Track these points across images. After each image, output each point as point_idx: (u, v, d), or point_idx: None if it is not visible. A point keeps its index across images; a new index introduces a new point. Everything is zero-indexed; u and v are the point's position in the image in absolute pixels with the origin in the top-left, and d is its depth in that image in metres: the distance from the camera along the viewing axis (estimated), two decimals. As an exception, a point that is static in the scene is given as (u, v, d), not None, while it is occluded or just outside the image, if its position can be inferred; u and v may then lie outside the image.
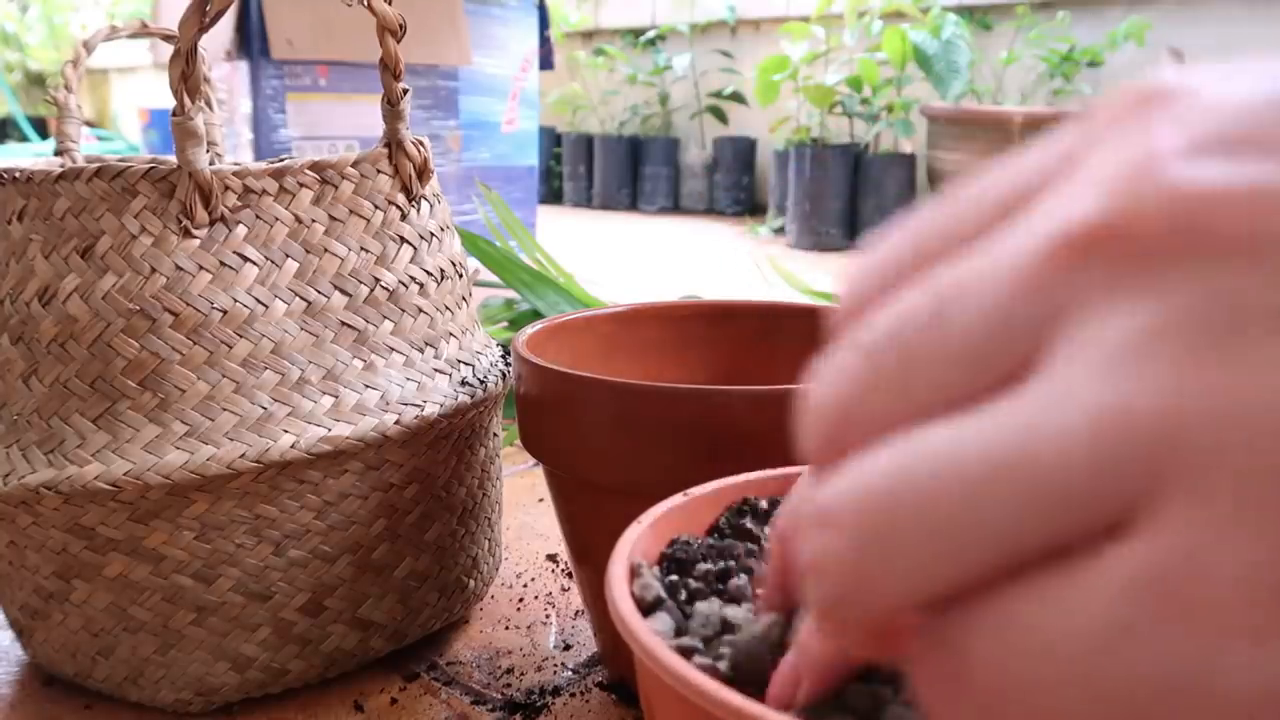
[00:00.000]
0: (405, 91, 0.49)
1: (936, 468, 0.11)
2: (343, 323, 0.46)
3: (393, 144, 0.49)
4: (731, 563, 0.30)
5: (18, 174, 0.45)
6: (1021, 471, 0.10)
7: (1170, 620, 0.09)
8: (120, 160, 0.48)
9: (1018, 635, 0.10)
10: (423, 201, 0.50)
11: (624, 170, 3.01)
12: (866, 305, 0.14)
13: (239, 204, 0.44)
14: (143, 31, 0.59)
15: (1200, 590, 0.09)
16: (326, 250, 0.46)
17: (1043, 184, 0.12)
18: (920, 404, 0.12)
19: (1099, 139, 0.12)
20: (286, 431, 0.43)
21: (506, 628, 0.55)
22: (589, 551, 0.47)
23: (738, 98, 2.83)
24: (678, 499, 0.31)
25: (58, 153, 0.59)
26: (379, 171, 0.48)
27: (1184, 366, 0.10)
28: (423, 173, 0.50)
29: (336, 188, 0.47)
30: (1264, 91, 0.11)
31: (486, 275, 1.00)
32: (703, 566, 0.29)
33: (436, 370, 0.49)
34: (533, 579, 0.60)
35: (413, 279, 0.49)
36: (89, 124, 3.67)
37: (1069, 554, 0.10)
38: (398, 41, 0.47)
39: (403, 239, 0.48)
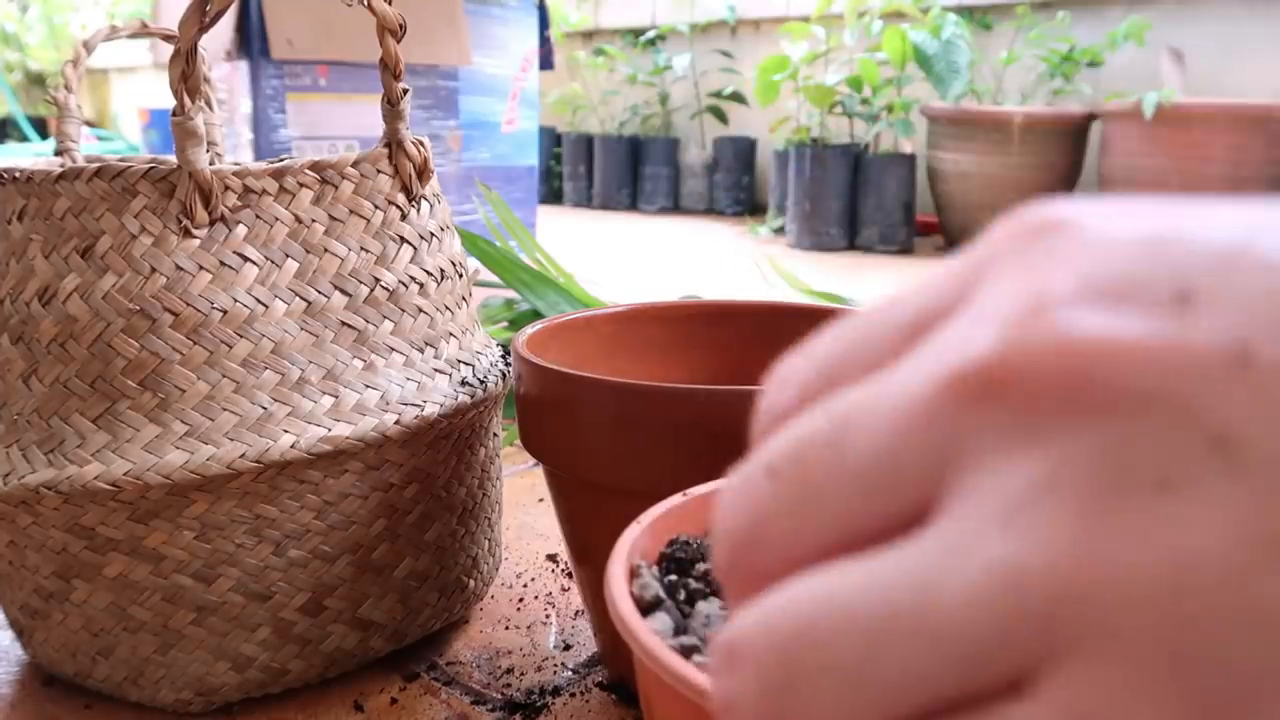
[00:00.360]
0: (405, 91, 0.49)
1: (840, 615, 0.11)
2: (343, 323, 0.46)
3: (393, 144, 0.49)
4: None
5: (18, 174, 0.45)
6: (920, 626, 0.11)
7: None
8: (120, 160, 0.48)
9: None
10: (423, 201, 0.50)
11: (624, 170, 3.01)
12: (778, 420, 0.14)
13: (239, 204, 0.44)
14: (143, 31, 0.59)
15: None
16: (326, 250, 0.46)
17: (942, 311, 0.13)
18: (824, 529, 0.12)
19: (995, 269, 0.12)
20: (286, 431, 0.43)
21: (506, 628, 0.55)
22: (589, 551, 0.47)
23: (738, 98, 2.83)
24: (677, 499, 0.31)
25: (58, 153, 0.59)
26: (379, 171, 0.48)
27: (1076, 526, 0.10)
28: (423, 173, 0.50)
29: (336, 188, 0.47)
30: (1148, 234, 0.11)
31: (486, 275, 1.00)
32: (702, 566, 0.29)
33: (436, 370, 0.49)
34: (533, 579, 0.60)
35: (413, 279, 0.49)
36: (89, 124, 3.67)
37: (971, 708, 0.10)
38: (398, 41, 0.47)
39: (403, 239, 0.48)
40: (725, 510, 0.13)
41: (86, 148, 0.67)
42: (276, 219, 0.45)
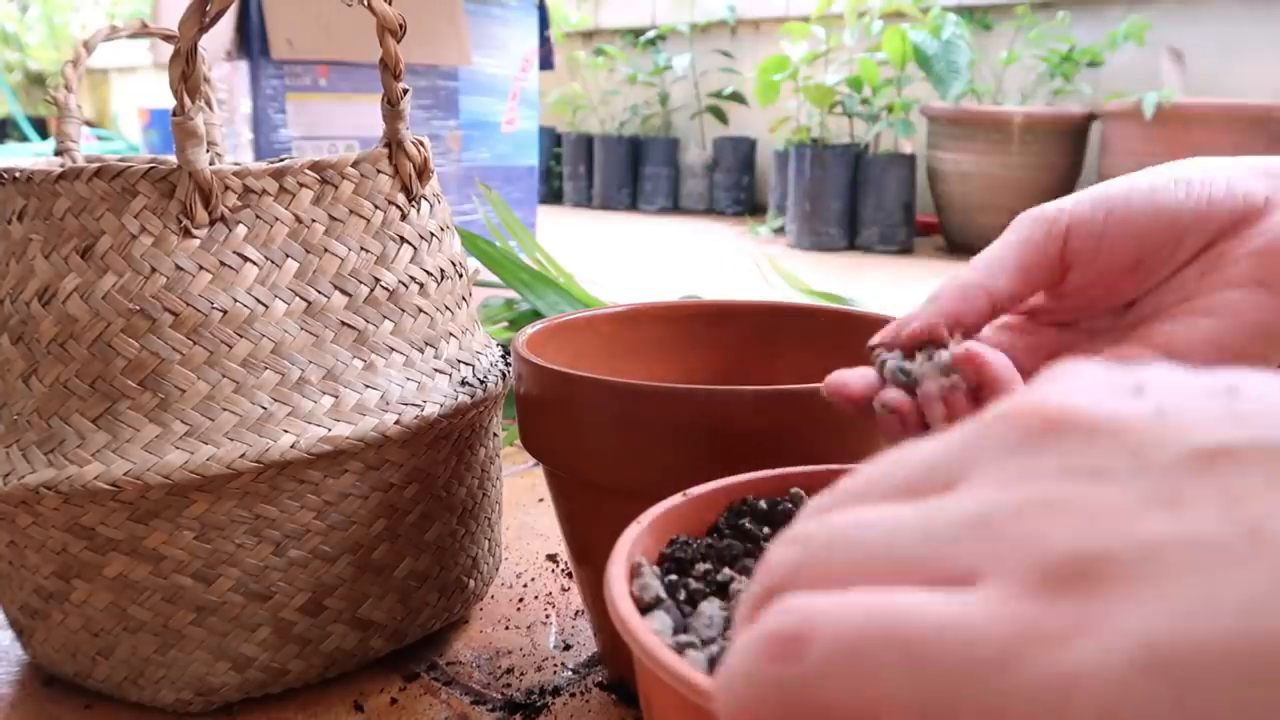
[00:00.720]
0: (405, 91, 0.49)
1: (874, 520, 0.17)
2: (343, 323, 0.46)
3: (393, 144, 0.49)
4: (730, 569, 0.30)
5: (18, 174, 0.45)
6: (923, 531, 0.17)
7: (976, 632, 0.15)
8: (120, 160, 0.48)
9: (872, 611, 0.15)
10: (423, 201, 0.50)
11: (624, 170, 3.01)
12: None
13: (239, 204, 0.44)
14: (143, 31, 0.59)
15: (998, 625, 0.15)
16: (326, 250, 0.46)
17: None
18: (891, 491, 0.19)
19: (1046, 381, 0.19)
20: (286, 431, 0.43)
21: (506, 628, 0.55)
22: (589, 551, 0.47)
23: (738, 98, 2.83)
24: (677, 499, 0.31)
25: (58, 153, 0.59)
26: (379, 171, 0.48)
27: (1033, 493, 0.16)
28: (423, 173, 0.50)
29: (336, 188, 0.47)
30: (1132, 370, 0.17)
31: (486, 275, 1.00)
32: (702, 566, 0.29)
33: (436, 370, 0.49)
34: (533, 579, 0.60)
35: (413, 279, 0.49)
36: (89, 124, 3.67)
37: (935, 588, 0.16)
38: (398, 41, 0.47)
39: (403, 239, 0.48)
40: (835, 487, 0.20)
41: (86, 148, 0.67)
42: (276, 219, 0.45)
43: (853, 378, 0.36)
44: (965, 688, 0.14)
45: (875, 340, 0.37)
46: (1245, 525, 0.14)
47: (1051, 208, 0.38)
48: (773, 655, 0.15)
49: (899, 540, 0.17)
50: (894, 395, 0.34)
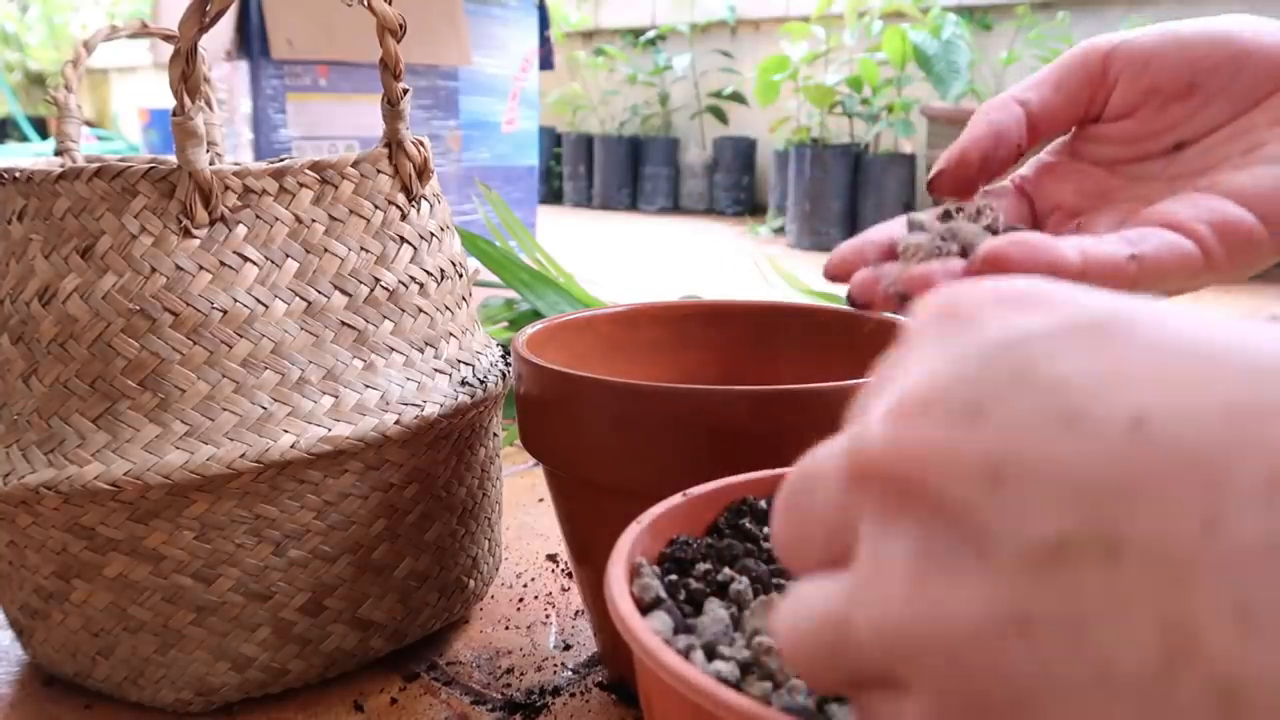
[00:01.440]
0: (405, 91, 0.49)
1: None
2: (343, 323, 0.46)
3: (393, 144, 0.49)
4: (730, 569, 0.30)
5: (18, 174, 0.45)
6: (810, 520, 0.19)
7: (833, 609, 0.17)
8: (120, 160, 0.48)
9: (794, 603, 0.19)
10: (423, 201, 0.50)
11: (624, 170, 3.01)
12: None
13: (239, 204, 0.44)
14: (143, 31, 0.59)
15: (852, 630, 0.17)
16: (326, 250, 0.46)
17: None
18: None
19: (881, 379, 0.19)
20: (286, 431, 0.43)
21: (506, 628, 0.55)
22: (589, 551, 0.47)
23: (738, 98, 2.83)
24: (677, 499, 0.31)
25: (58, 153, 0.59)
26: (379, 171, 0.48)
27: (883, 571, 0.17)
28: (423, 173, 0.50)
29: (336, 188, 0.47)
30: (961, 358, 0.17)
31: (486, 275, 1.00)
32: (702, 566, 0.29)
33: (436, 370, 0.49)
34: (533, 579, 0.60)
35: (413, 279, 0.49)
36: (89, 124, 3.67)
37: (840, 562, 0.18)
38: (398, 41, 0.47)
39: (403, 239, 0.48)
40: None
41: (86, 148, 0.67)
42: (276, 219, 0.45)
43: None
44: (828, 655, 0.18)
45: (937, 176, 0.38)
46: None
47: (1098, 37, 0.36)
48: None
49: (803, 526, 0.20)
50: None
